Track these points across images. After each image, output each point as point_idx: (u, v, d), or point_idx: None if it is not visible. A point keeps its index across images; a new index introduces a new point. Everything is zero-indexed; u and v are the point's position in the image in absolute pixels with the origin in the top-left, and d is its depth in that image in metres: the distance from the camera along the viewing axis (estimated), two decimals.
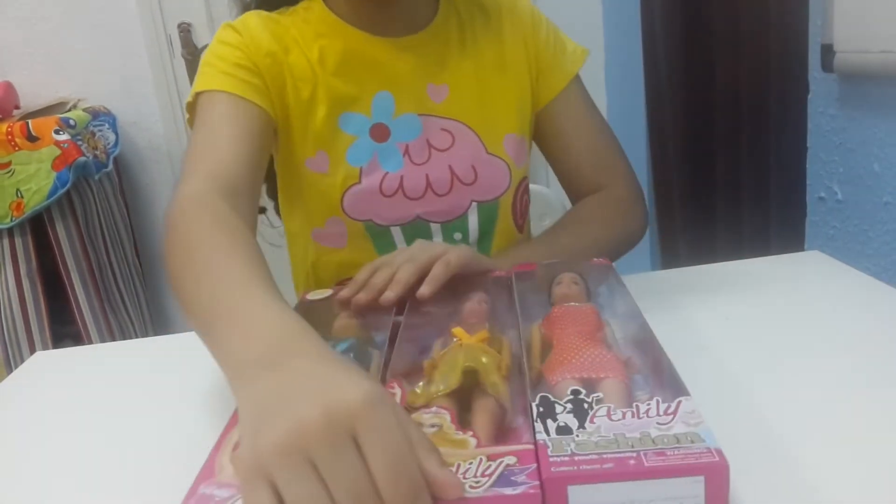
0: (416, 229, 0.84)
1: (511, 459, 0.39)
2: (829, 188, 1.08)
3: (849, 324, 0.67)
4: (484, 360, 0.50)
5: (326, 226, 0.85)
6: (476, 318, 0.60)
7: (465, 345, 0.53)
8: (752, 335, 0.67)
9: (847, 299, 0.73)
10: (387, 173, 0.82)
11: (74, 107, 2.04)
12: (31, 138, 1.79)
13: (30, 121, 1.81)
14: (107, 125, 2.07)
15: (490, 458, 0.39)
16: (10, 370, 1.69)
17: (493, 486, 0.37)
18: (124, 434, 0.62)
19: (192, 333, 0.74)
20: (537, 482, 0.37)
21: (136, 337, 2.05)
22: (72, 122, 1.85)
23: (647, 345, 0.53)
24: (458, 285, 0.66)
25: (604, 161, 0.89)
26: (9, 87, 2.02)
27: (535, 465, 0.38)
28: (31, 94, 2.13)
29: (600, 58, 2.14)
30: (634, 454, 0.37)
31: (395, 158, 0.82)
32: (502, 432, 0.44)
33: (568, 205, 0.96)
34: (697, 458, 0.37)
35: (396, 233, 0.84)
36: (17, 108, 2.06)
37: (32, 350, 1.86)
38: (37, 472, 0.57)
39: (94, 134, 1.97)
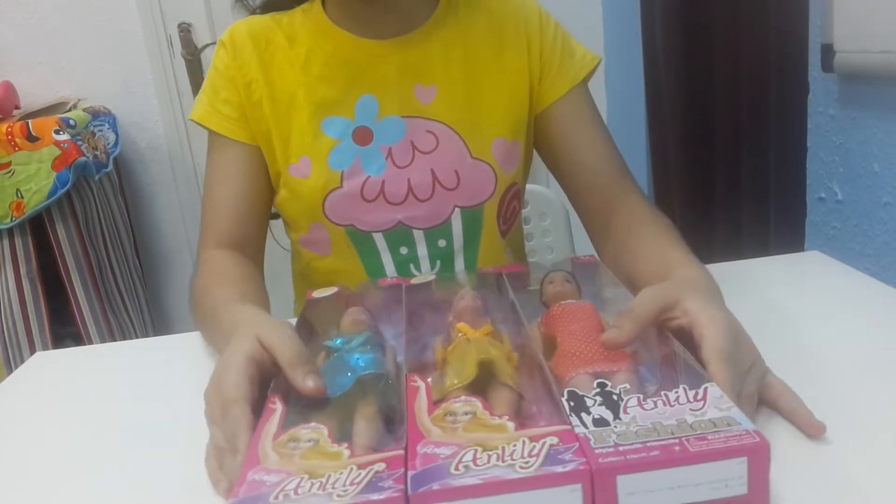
0: (400, 236, 0.84)
1: (553, 440, 0.39)
2: (829, 188, 1.08)
3: (849, 324, 0.67)
4: (493, 352, 0.50)
5: (310, 231, 0.85)
6: (472, 315, 0.60)
7: (472, 339, 0.53)
8: (751, 335, 0.67)
9: (847, 299, 0.73)
10: (368, 177, 0.81)
11: (74, 107, 2.04)
12: (31, 138, 1.79)
13: (30, 121, 1.81)
14: (107, 125, 2.07)
15: (532, 439, 0.40)
16: (10, 370, 1.70)
17: (542, 465, 0.37)
18: (124, 434, 0.62)
19: (192, 334, 0.80)
20: (584, 459, 0.37)
21: (136, 337, 2.05)
22: (72, 122, 1.85)
23: (651, 336, 0.53)
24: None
25: (614, 176, 0.85)
26: (9, 87, 2.02)
27: (577, 444, 0.39)
28: (31, 94, 2.13)
29: (601, 57, 2.13)
30: (677, 441, 0.38)
31: (378, 161, 0.82)
32: (520, 420, 0.45)
33: (567, 204, 0.94)
34: (739, 441, 0.38)
35: (379, 239, 0.84)
36: (17, 108, 2.06)
37: (32, 350, 1.86)
38: (37, 472, 0.57)
39: (94, 134, 1.97)
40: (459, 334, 0.55)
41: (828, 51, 1.00)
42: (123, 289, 2.07)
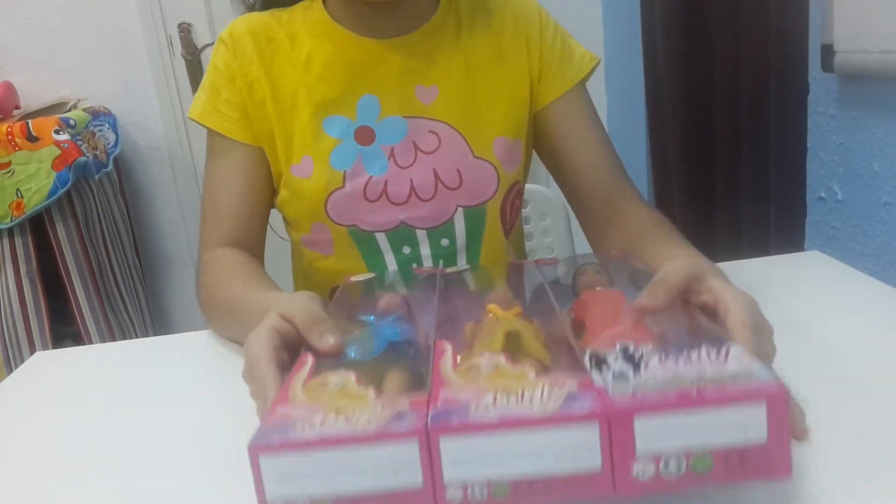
0: (402, 236, 0.84)
1: (573, 387, 0.40)
2: (829, 188, 1.08)
3: (849, 324, 0.67)
4: (521, 327, 0.51)
5: (312, 231, 0.85)
6: (503, 301, 0.60)
7: (501, 317, 0.54)
8: None
9: (847, 299, 0.73)
10: (371, 177, 0.81)
11: (74, 107, 2.04)
12: (31, 138, 1.79)
13: (30, 121, 1.81)
14: (107, 125, 2.07)
15: (552, 385, 0.40)
16: (10, 370, 1.69)
17: (561, 405, 0.38)
18: (124, 434, 0.62)
19: (192, 333, 0.79)
20: (601, 403, 0.38)
21: (136, 337, 2.05)
22: (72, 122, 1.85)
23: (679, 316, 0.53)
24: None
25: (613, 177, 0.86)
26: (9, 87, 2.03)
27: (596, 392, 0.39)
28: (31, 94, 2.13)
29: (600, 58, 2.13)
30: (695, 388, 0.38)
31: (380, 162, 0.82)
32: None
33: (568, 204, 0.94)
34: (759, 388, 0.37)
35: (381, 239, 0.84)
36: (17, 108, 2.06)
37: (32, 350, 1.86)
38: (37, 472, 0.57)
39: (94, 134, 1.97)
40: (489, 315, 0.56)
41: (828, 51, 1.00)
42: (123, 289, 2.07)
